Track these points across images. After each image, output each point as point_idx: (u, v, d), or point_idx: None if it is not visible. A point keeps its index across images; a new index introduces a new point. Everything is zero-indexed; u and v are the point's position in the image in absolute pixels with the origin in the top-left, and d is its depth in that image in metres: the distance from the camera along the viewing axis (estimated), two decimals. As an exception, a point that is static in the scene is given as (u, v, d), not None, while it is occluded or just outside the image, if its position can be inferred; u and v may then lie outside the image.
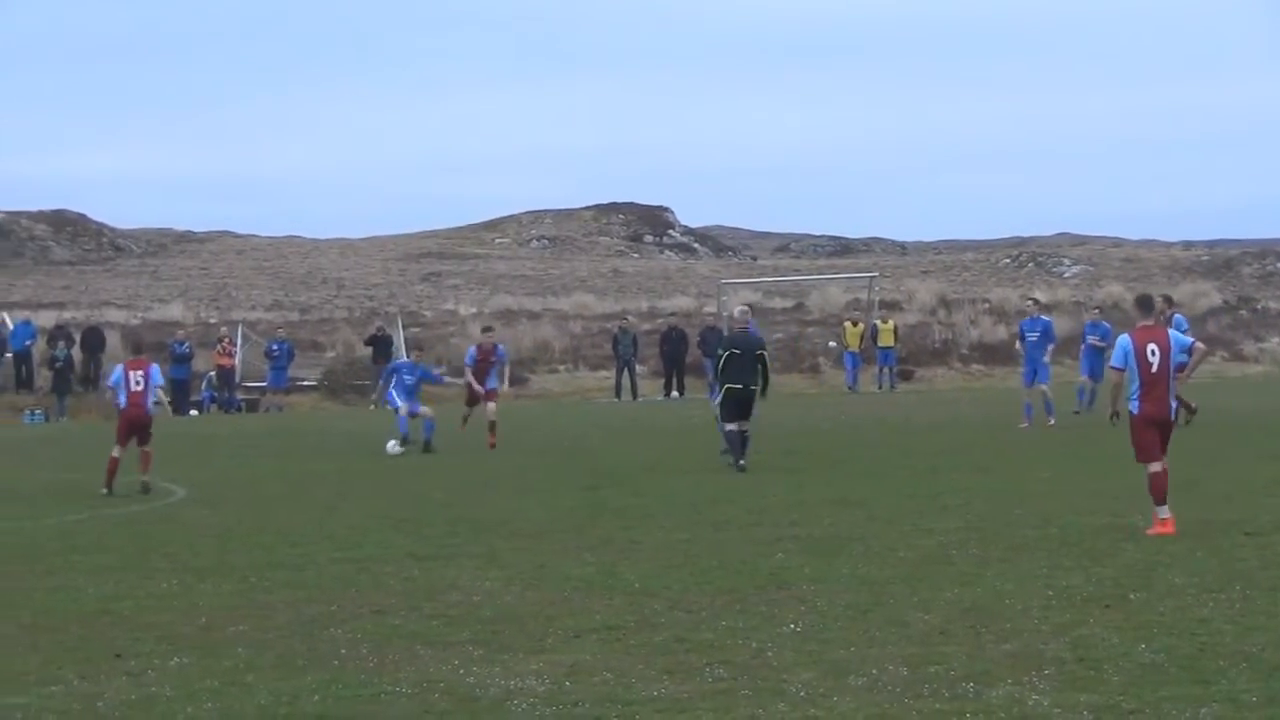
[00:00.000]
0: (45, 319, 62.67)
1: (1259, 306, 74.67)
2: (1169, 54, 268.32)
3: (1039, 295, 62.74)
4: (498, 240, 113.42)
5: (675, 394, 55.58)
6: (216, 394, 56.15)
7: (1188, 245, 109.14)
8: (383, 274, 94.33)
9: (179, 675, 11.93)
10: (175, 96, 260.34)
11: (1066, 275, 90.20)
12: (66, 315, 66.32)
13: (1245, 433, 32.44)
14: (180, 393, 53.42)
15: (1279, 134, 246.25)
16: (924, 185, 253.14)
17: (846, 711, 10.36)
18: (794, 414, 40.98)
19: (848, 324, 60.12)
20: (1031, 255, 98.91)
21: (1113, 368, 18.90)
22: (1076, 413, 36.99)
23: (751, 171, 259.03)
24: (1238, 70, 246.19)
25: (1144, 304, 19.57)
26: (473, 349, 35.68)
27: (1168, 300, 33.12)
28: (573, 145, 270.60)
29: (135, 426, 26.40)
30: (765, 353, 27.94)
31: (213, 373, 56.35)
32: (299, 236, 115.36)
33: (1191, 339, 19.83)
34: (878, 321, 60.21)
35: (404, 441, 32.65)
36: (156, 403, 27.08)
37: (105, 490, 25.82)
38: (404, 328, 64.44)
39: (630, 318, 63.54)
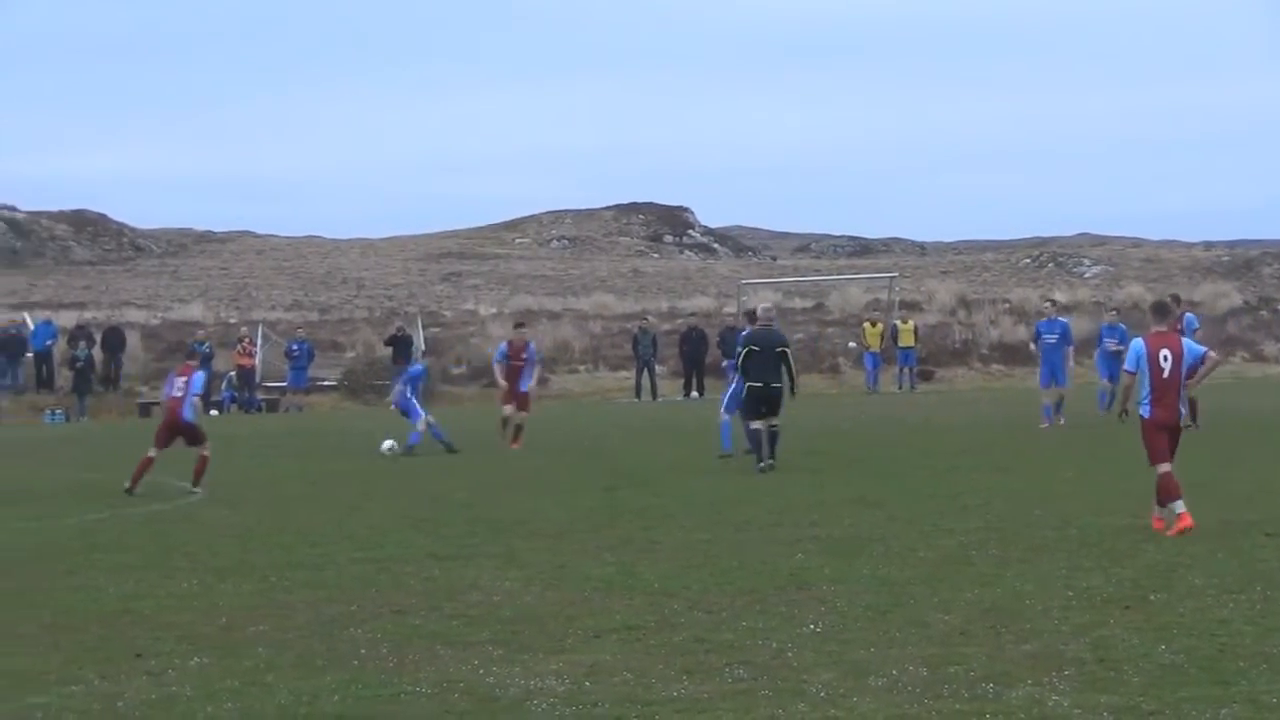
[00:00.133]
0: (66, 319, 62.83)
1: (1279, 307, 74.51)
2: (1190, 54, 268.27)
3: (1058, 296, 62.78)
4: (518, 240, 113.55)
5: (695, 394, 55.53)
6: (237, 394, 56.19)
7: (1208, 245, 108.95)
8: (403, 274, 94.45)
9: (199, 675, 11.94)
10: (197, 97, 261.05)
11: (1087, 276, 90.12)
12: (87, 315, 66.48)
13: (1266, 433, 32.41)
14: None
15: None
16: (944, 185, 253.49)
17: (866, 712, 10.35)
18: (814, 414, 40.93)
19: (866, 324, 60.08)
20: (1051, 255, 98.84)
21: (1124, 370, 19.04)
22: (1103, 414, 36.89)
23: (771, 172, 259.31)
24: (1258, 70, 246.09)
25: (1159, 310, 19.60)
26: (503, 345, 35.13)
27: (1176, 299, 33.12)
28: (593, 145, 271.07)
29: (171, 430, 26.38)
30: (788, 350, 27.85)
31: (233, 373, 56.39)
32: (319, 236, 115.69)
33: (1205, 348, 19.80)
34: (898, 322, 60.16)
35: (409, 450, 32.45)
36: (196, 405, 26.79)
37: (127, 486, 25.81)
38: (424, 328, 64.52)
39: (650, 318, 63.61)
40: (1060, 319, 38.19)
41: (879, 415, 42.55)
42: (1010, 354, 62.92)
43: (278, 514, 22.57)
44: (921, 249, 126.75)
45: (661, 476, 26.53)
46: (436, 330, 67.48)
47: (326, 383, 58.87)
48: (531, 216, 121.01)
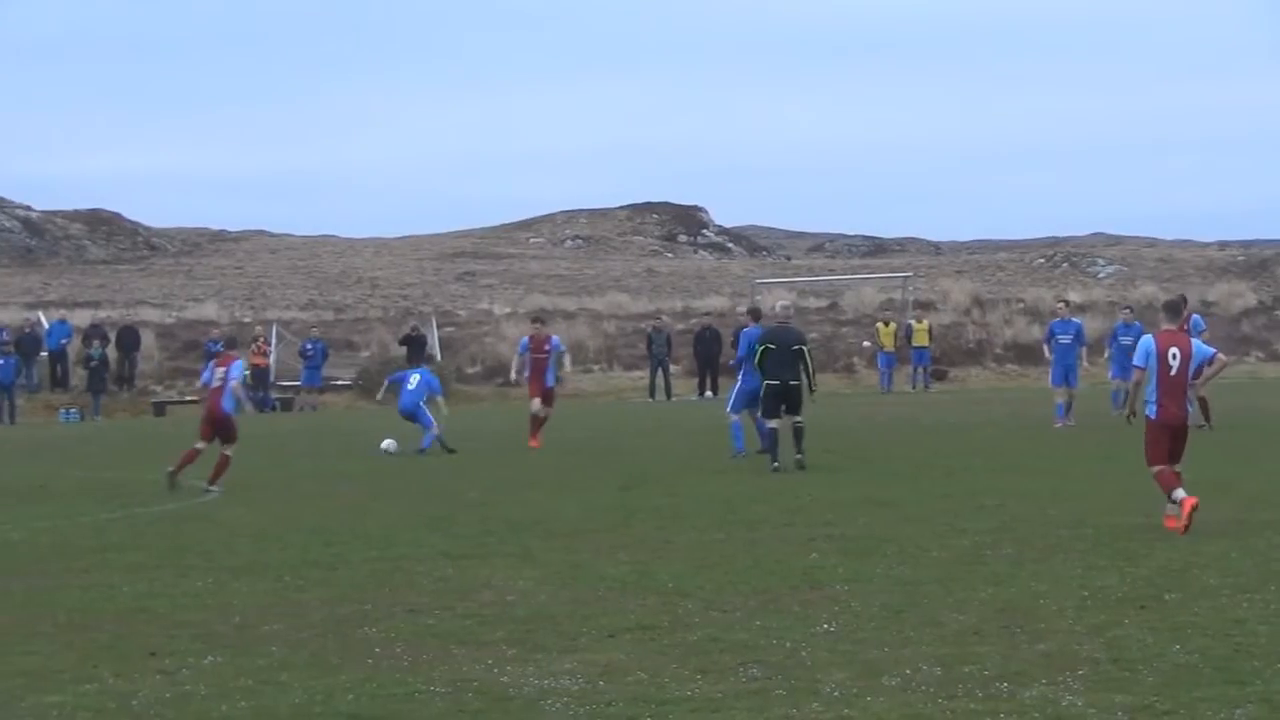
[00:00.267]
0: (80, 318, 62.95)
1: (1294, 307, 74.41)
2: (1204, 54, 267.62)
3: (1073, 296, 62.75)
4: (532, 240, 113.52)
5: (709, 394, 55.52)
6: (251, 393, 56.18)
7: (1223, 245, 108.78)
8: (417, 273, 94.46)
9: (213, 673, 11.95)
10: (211, 96, 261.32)
11: (1101, 275, 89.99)
12: (102, 314, 66.60)
13: (1281, 433, 32.39)
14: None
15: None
16: (958, 185, 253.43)
17: (880, 711, 10.34)
18: (828, 414, 40.91)
19: (880, 324, 60.10)
20: (1066, 255, 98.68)
21: (1134, 366, 19.09)
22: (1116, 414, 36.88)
23: (786, 171, 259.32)
24: (1272, 70, 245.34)
25: (1171, 309, 19.71)
26: (525, 339, 34.94)
27: (1183, 300, 33.11)
28: (607, 145, 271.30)
29: (211, 422, 26.38)
30: (806, 348, 27.79)
31: (247, 372, 56.39)
32: (333, 236, 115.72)
33: (1213, 349, 19.88)
34: (912, 321, 60.19)
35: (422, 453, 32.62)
36: (237, 397, 26.74)
37: (169, 470, 25.81)
38: (438, 327, 64.58)
39: (664, 317, 63.60)
40: (1074, 320, 38.25)
41: (893, 415, 42.54)
42: (1024, 354, 62.94)
43: (292, 513, 22.59)
44: (936, 248, 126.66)
45: (676, 476, 26.53)
46: (451, 330, 67.51)
47: (341, 382, 58.96)
48: (546, 216, 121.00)
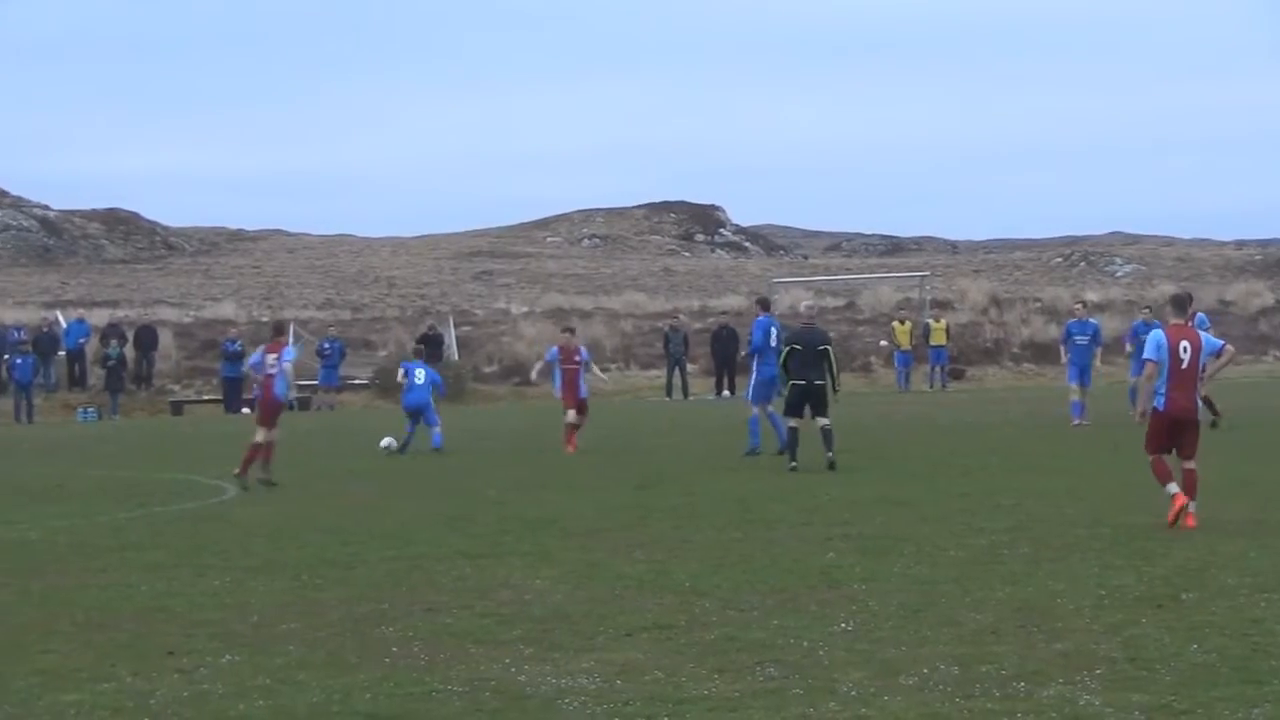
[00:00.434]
0: (98, 317, 63.01)
1: (1312, 306, 74.21)
2: (1222, 52, 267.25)
3: (1090, 295, 62.69)
4: (549, 239, 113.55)
5: (726, 393, 55.45)
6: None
7: (1240, 244, 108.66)
8: (434, 273, 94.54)
9: (231, 672, 11.97)
10: (229, 95, 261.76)
11: (1119, 275, 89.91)
12: (119, 314, 66.61)
13: (1299, 432, 32.32)
14: (232, 391, 53.68)
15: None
16: (975, 184, 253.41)
17: (897, 710, 10.34)
18: (845, 413, 40.83)
19: (896, 323, 60.09)
20: (1083, 254, 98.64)
21: (1146, 359, 19.15)
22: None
23: (803, 170, 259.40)
24: (1273, 69, 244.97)
25: (1179, 303, 19.96)
26: (554, 349, 34.72)
27: (1189, 295, 32.97)
28: (624, 144, 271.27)
29: (268, 408, 26.46)
30: (830, 348, 27.75)
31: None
32: (350, 235, 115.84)
33: (1221, 341, 19.96)
34: (930, 320, 60.14)
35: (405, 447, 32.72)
36: (290, 386, 26.76)
37: (236, 472, 25.93)
38: (455, 327, 64.61)
39: (681, 316, 63.58)
40: (1091, 320, 38.30)
41: (910, 414, 42.50)
42: (1041, 353, 62.86)
43: (309, 512, 22.61)
44: (953, 248, 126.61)
45: (692, 475, 26.52)
46: (468, 329, 67.54)
47: (358, 381, 58.97)
48: (563, 215, 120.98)
